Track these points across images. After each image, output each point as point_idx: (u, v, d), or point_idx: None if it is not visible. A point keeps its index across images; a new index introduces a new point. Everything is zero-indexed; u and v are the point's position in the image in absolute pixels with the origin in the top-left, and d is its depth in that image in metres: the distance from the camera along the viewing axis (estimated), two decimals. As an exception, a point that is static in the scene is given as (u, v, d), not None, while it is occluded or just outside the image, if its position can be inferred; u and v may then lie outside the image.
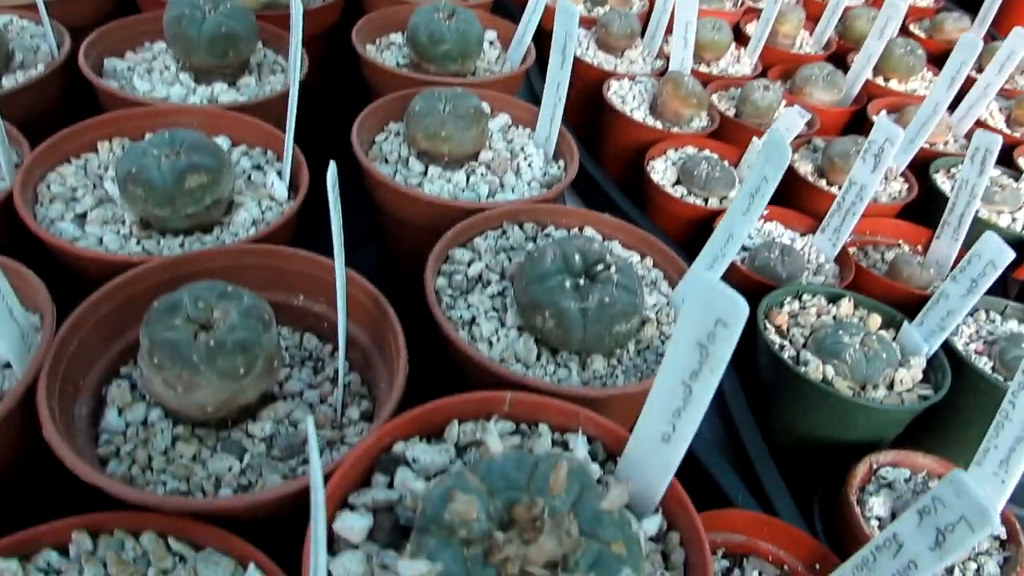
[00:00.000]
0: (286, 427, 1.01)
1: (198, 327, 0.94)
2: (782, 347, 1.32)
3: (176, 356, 0.90)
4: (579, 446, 0.87)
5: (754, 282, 1.45)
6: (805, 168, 1.83)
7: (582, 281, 1.07)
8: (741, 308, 0.73)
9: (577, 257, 1.08)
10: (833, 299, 1.42)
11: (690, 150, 1.84)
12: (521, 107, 1.59)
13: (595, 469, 0.92)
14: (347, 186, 1.06)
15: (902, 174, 1.86)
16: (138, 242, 1.16)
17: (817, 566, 1.04)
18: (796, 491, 1.24)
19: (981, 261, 1.20)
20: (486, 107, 1.53)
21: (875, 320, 1.38)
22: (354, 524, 0.83)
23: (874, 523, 1.13)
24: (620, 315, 1.04)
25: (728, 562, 1.08)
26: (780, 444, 1.32)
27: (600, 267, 1.09)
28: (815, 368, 1.26)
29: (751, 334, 1.35)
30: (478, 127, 1.41)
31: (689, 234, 1.69)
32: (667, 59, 2.08)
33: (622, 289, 1.06)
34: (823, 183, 1.78)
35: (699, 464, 1.26)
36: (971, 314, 1.49)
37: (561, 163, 1.50)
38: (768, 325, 1.36)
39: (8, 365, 0.98)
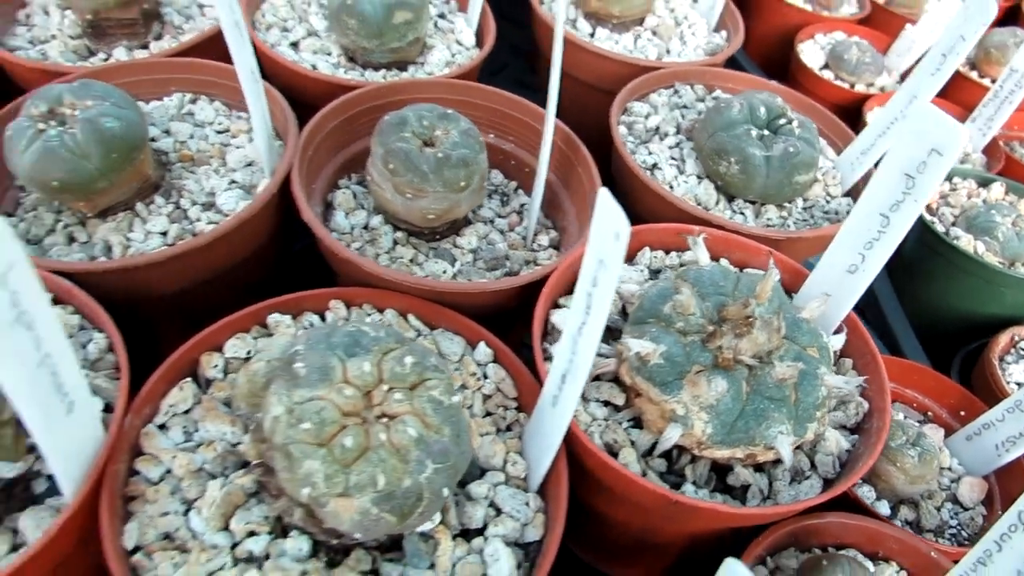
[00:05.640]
0: (486, 244, 1.12)
1: (422, 143, 1.05)
2: (931, 223, 1.37)
3: (409, 164, 1.00)
4: (773, 272, 0.96)
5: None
6: (954, 62, 1.82)
7: (765, 132, 1.13)
8: (959, 135, 0.79)
9: (762, 109, 1.14)
10: (984, 183, 1.46)
11: (839, 35, 1.85)
12: (684, -24, 1.62)
13: (773, 299, 1.01)
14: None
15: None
16: (345, 72, 1.26)
17: (963, 412, 1.12)
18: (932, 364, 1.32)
19: None
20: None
21: (1026, 205, 1.42)
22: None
23: (1013, 388, 1.20)
24: (801, 165, 1.11)
25: (871, 405, 1.18)
26: (920, 318, 1.38)
27: (783, 120, 1.15)
28: (967, 242, 1.31)
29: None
30: (650, -10, 1.46)
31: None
32: (816, -56, 2.05)
33: (803, 142, 1.12)
34: (974, 75, 1.78)
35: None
36: None
37: (724, 33, 1.53)
38: (917, 202, 1.41)
39: (248, 165, 1.10)
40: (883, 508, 1.03)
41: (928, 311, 1.39)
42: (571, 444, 0.82)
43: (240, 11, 0.93)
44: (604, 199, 0.64)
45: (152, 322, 1.03)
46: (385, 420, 0.69)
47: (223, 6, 0.90)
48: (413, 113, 1.05)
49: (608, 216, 0.63)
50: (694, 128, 1.23)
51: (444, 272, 1.05)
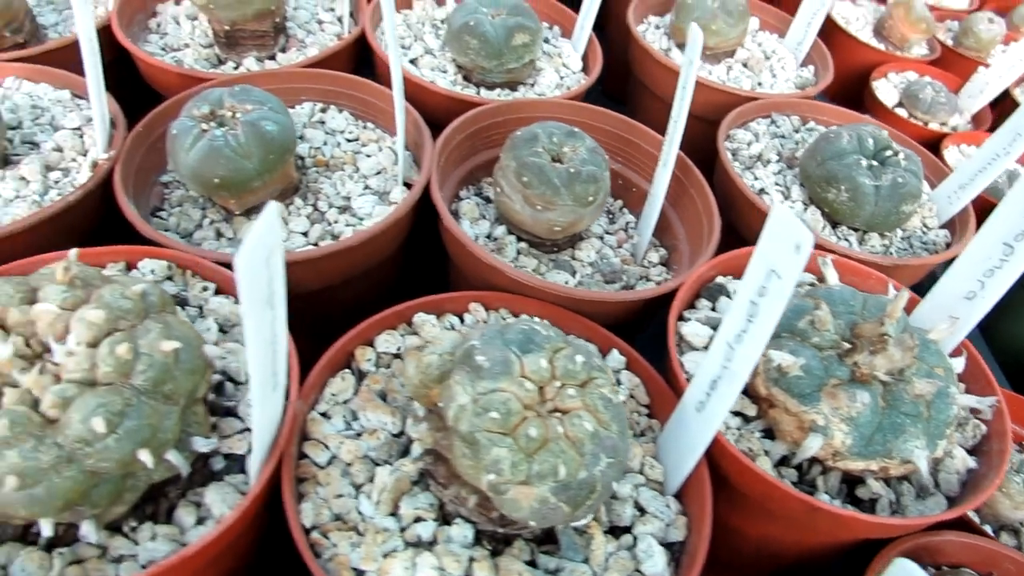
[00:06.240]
0: (602, 259, 1.17)
1: (551, 158, 1.09)
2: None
3: (543, 177, 1.05)
4: (904, 294, 0.99)
5: (986, 203, 1.52)
6: None
7: (874, 163, 1.18)
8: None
9: (870, 141, 1.19)
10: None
11: (911, 75, 1.90)
12: (770, 12, 1.68)
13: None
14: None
15: None
16: (462, 89, 1.32)
17: (1061, 444, 1.15)
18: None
19: None
20: (744, 8, 1.62)
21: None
22: (699, 331, 0.98)
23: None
24: (908, 196, 1.15)
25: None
26: (1004, 353, 1.42)
27: (889, 152, 1.19)
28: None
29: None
30: (744, 24, 1.51)
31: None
32: (885, -13, 2.12)
33: (910, 174, 1.17)
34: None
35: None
36: None
37: (811, 68, 1.59)
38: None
39: (378, 172, 1.15)
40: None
41: (1011, 344, 1.43)
42: (708, 450, 0.86)
43: (396, 32, 0.98)
44: (780, 213, 0.68)
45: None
46: (558, 414, 0.73)
47: (388, 25, 0.95)
48: (542, 130, 1.10)
49: (785, 229, 0.67)
50: (798, 156, 1.27)
51: (566, 282, 1.09)
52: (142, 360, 0.68)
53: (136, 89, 1.27)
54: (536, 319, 0.97)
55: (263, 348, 0.62)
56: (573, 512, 0.72)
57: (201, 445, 0.74)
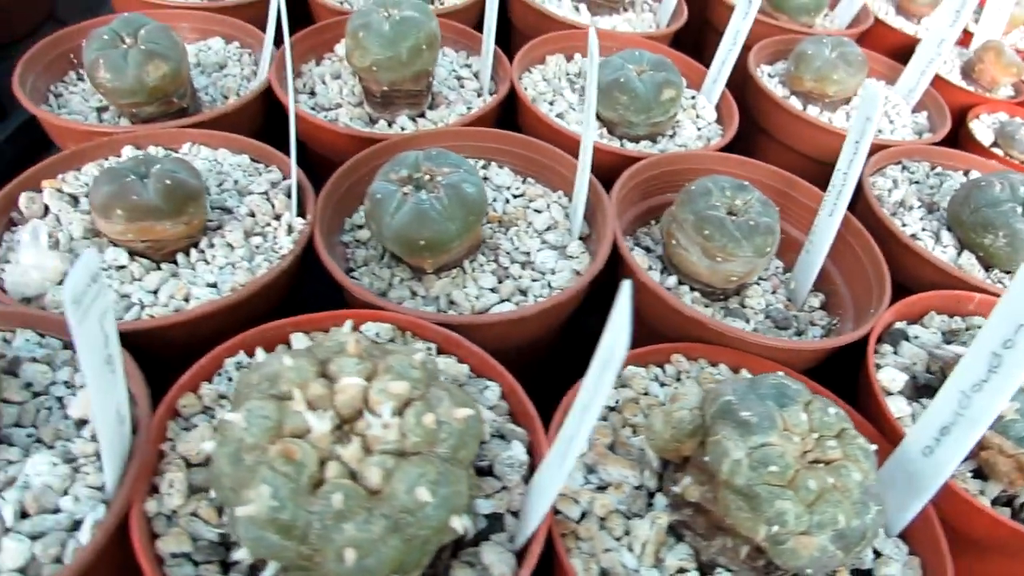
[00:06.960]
0: (767, 304, 1.20)
1: (726, 212, 1.13)
2: None
3: (724, 230, 1.09)
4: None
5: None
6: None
7: (1028, 209, 1.22)
8: None
9: (1022, 189, 1.23)
10: None
11: (1002, 115, 1.95)
12: (878, 59, 1.73)
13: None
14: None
15: None
16: (607, 143, 1.36)
17: None
18: None
19: None
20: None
21: None
22: (895, 377, 1.01)
23: None
24: (1064, 241, 1.19)
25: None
26: None
27: (1041, 198, 1.23)
28: None
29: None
30: (862, 74, 1.56)
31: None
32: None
33: (1064, 219, 1.21)
34: None
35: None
36: None
37: (923, 114, 1.64)
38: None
39: (549, 227, 1.19)
40: None
41: None
42: (931, 494, 0.88)
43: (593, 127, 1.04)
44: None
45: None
46: (821, 465, 0.76)
47: (588, 126, 1.00)
48: (714, 184, 1.14)
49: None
50: (936, 201, 1.31)
51: (742, 330, 1.13)
52: (443, 429, 0.71)
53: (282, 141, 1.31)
54: (781, 374, 1.00)
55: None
56: (845, 558, 0.74)
57: (484, 507, 0.77)
